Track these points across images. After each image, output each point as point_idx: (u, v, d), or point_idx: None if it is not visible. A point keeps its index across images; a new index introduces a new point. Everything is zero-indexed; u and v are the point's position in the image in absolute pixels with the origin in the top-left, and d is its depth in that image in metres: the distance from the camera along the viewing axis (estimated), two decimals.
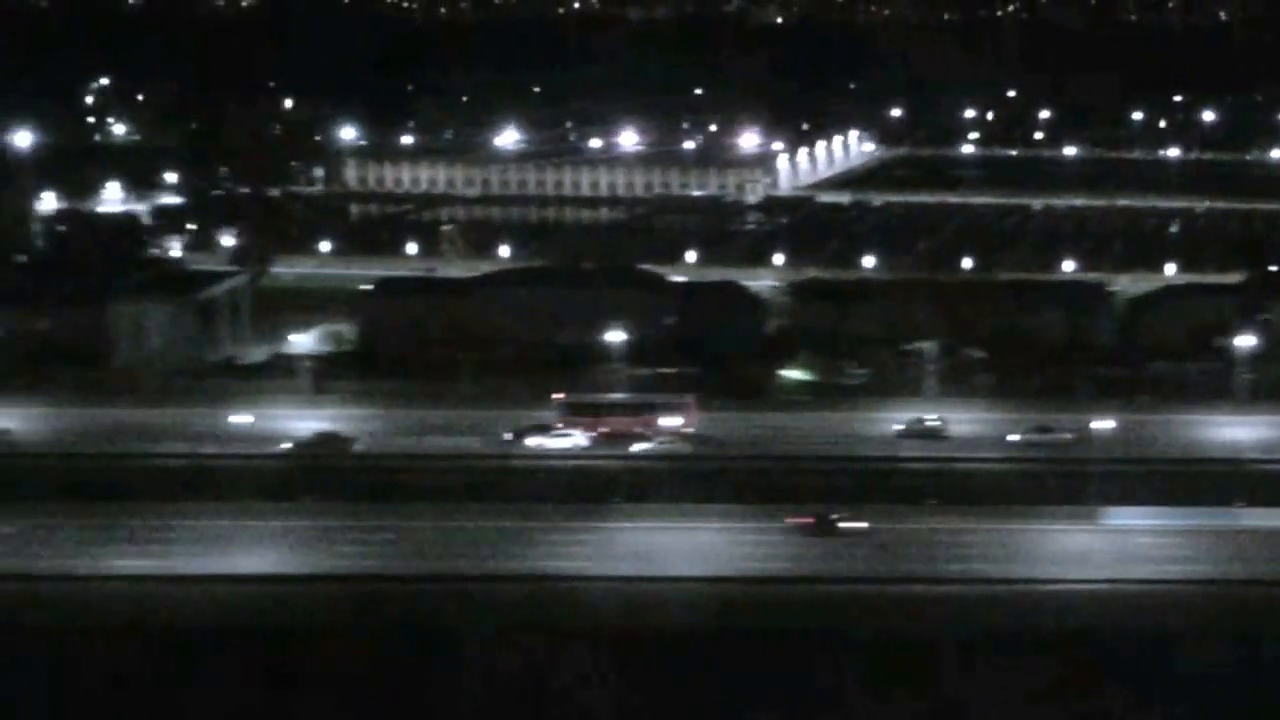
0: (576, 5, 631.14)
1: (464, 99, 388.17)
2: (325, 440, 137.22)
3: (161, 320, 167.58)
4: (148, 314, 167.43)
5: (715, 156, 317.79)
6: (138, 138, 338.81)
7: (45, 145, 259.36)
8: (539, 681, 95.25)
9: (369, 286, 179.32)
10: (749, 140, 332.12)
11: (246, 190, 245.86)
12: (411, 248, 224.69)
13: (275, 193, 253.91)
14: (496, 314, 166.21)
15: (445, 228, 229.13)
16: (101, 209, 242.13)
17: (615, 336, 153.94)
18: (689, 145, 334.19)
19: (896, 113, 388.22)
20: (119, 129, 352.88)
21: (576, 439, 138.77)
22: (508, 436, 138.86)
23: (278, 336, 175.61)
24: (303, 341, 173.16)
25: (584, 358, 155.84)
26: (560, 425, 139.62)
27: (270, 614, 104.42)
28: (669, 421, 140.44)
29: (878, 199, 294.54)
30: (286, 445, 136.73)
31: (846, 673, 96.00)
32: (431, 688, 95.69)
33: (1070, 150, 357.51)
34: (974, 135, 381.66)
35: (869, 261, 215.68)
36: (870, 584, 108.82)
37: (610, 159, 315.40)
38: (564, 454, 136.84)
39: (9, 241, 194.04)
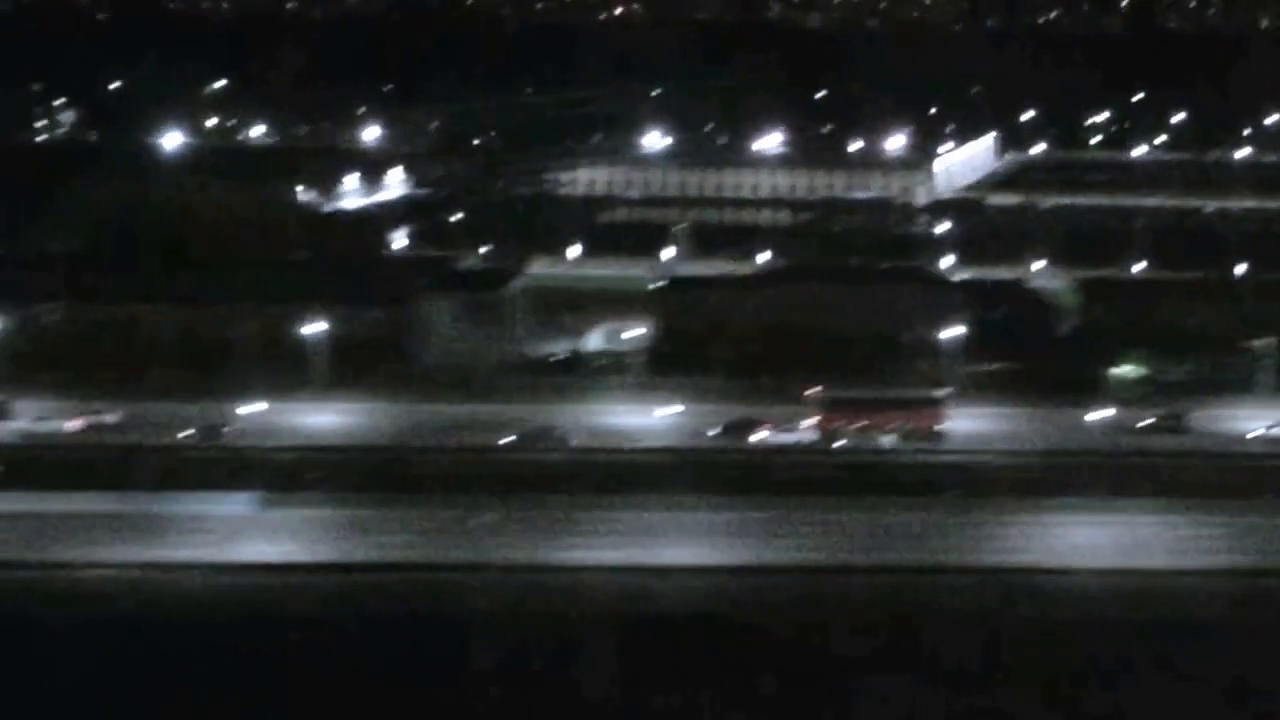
0: (618, 11, 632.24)
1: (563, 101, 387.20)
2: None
3: (465, 317, 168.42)
4: (453, 311, 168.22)
5: (870, 159, 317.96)
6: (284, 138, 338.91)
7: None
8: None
9: (661, 284, 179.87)
10: (894, 142, 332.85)
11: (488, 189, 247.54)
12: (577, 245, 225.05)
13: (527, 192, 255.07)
14: (791, 310, 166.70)
15: (678, 227, 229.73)
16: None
17: (927, 332, 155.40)
18: (843, 147, 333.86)
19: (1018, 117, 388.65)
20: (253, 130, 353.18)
21: (803, 434, 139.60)
22: (713, 432, 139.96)
23: (560, 334, 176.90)
24: (595, 338, 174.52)
25: (888, 353, 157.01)
26: (816, 418, 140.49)
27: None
28: (925, 417, 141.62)
29: (1045, 200, 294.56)
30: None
31: None
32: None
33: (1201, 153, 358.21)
34: (1095, 139, 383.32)
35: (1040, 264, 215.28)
36: None
37: (767, 161, 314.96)
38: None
39: (279, 241, 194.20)
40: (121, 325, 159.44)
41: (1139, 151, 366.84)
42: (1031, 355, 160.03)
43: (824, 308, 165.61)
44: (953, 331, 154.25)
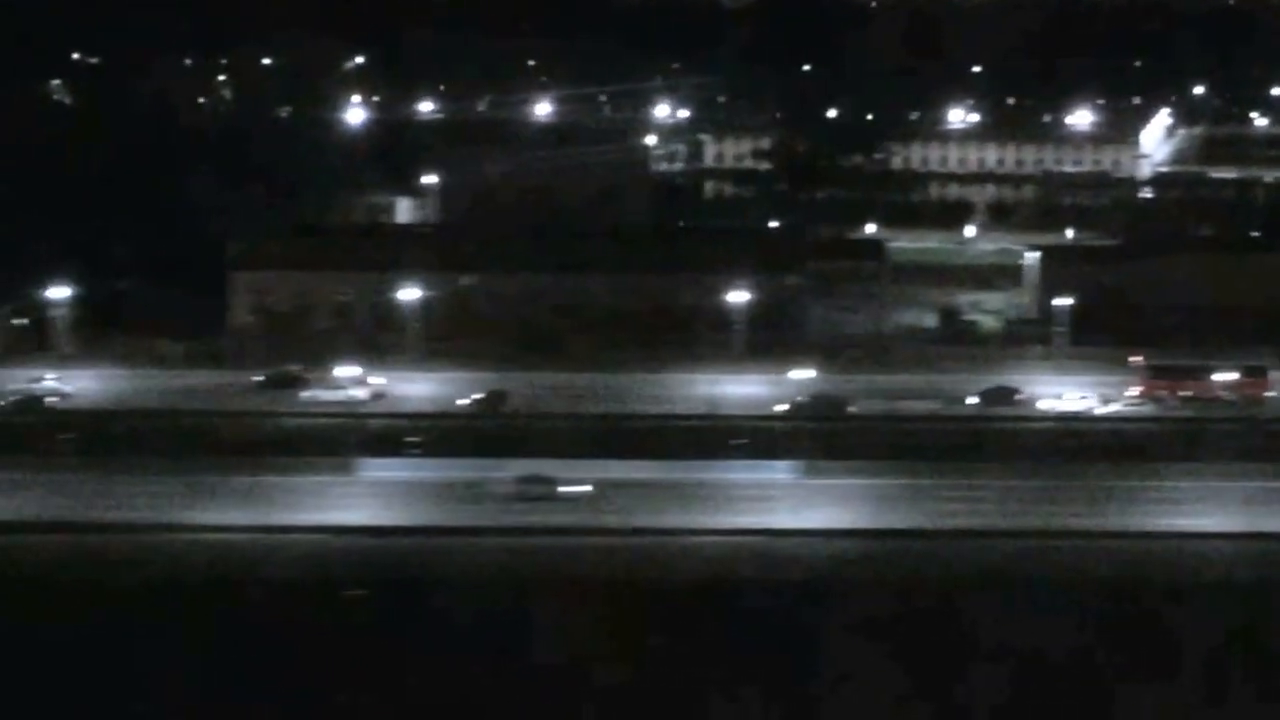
0: None
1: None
2: None
3: (845, 288, 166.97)
4: (833, 282, 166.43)
5: (1077, 132, 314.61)
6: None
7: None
8: None
9: (1035, 255, 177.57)
10: (1083, 117, 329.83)
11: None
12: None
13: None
14: (1180, 281, 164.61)
15: (979, 202, 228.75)
16: None
17: None
18: (1038, 122, 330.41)
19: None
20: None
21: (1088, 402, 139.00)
22: (973, 400, 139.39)
23: (925, 304, 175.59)
24: (971, 308, 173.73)
25: None
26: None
27: None
28: (1249, 386, 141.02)
29: (1268, 175, 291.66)
30: None
31: None
32: None
33: None
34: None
35: None
36: None
37: (976, 135, 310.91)
38: None
39: (634, 210, 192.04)
40: (530, 295, 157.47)
41: None
42: None
43: (1218, 277, 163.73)
44: None
